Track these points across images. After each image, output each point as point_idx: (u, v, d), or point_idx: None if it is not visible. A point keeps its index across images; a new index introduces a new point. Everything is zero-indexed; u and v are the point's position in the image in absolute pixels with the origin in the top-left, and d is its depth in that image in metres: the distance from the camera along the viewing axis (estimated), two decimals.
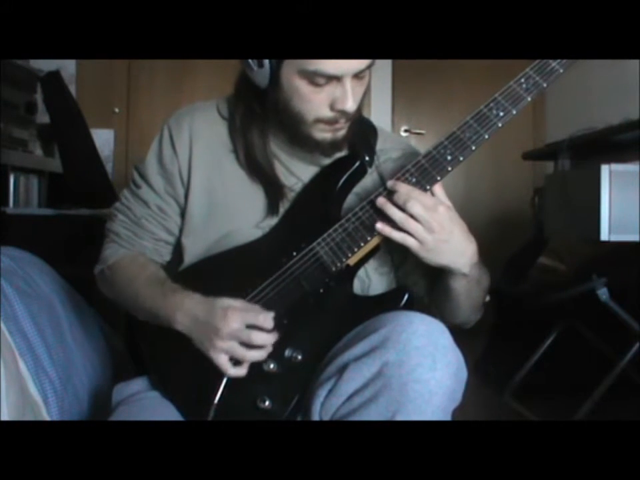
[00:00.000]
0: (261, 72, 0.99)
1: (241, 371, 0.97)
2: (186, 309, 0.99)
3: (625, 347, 2.01)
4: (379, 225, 0.98)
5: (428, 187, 0.99)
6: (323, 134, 1.03)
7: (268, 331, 0.96)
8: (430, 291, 1.11)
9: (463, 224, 0.99)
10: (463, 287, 1.02)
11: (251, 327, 0.96)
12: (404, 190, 0.96)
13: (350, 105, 0.98)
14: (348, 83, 0.97)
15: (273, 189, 1.08)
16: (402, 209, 0.96)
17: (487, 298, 1.15)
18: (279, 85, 1.00)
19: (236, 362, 0.98)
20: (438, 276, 1.04)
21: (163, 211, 1.12)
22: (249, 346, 0.96)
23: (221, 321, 0.95)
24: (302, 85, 0.98)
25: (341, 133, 1.04)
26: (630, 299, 1.97)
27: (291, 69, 0.97)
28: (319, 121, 1.01)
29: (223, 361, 0.97)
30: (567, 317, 2.30)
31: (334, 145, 1.05)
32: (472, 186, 3.88)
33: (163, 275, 1.08)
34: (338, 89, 0.98)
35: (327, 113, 1.00)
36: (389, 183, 0.99)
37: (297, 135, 1.04)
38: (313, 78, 0.96)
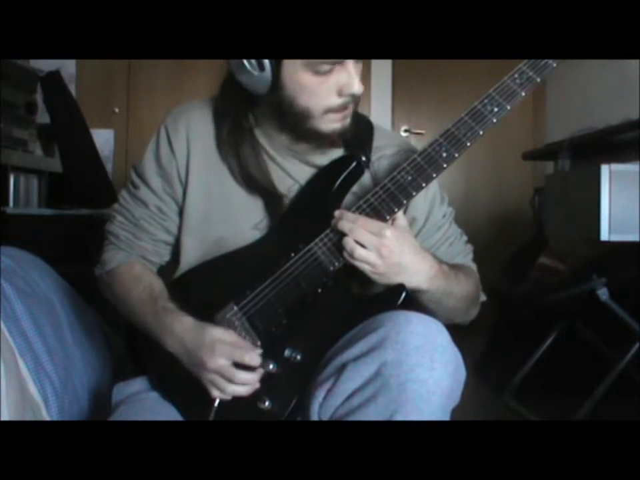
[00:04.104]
0: (262, 76, 0.98)
1: (225, 397, 0.99)
2: (175, 334, 1.00)
3: (625, 346, 2.01)
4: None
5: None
6: (332, 125, 1.03)
7: (254, 369, 0.97)
8: None
9: (413, 242, 1.00)
10: (429, 300, 1.02)
11: (238, 364, 0.97)
12: (348, 218, 0.97)
13: (357, 88, 0.99)
14: (351, 66, 0.98)
15: (269, 196, 1.08)
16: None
17: (483, 298, 1.14)
18: (281, 85, 0.99)
19: None
20: None
21: (162, 211, 1.12)
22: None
23: (208, 354, 0.97)
24: (306, 78, 0.98)
25: (348, 120, 1.04)
26: (630, 299, 1.97)
27: (293, 65, 0.97)
28: (328, 111, 1.01)
29: (209, 386, 0.99)
30: (567, 317, 2.29)
31: (343, 134, 1.05)
32: (472, 186, 3.88)
33: (157, 290, 1.08)
34: (342, 74, 0.98)
35: (335, 101, 1.00)
36: (336, 213, 1.00)
37: (305, 131, 1.04)
38: (317, 67, 0.96)
